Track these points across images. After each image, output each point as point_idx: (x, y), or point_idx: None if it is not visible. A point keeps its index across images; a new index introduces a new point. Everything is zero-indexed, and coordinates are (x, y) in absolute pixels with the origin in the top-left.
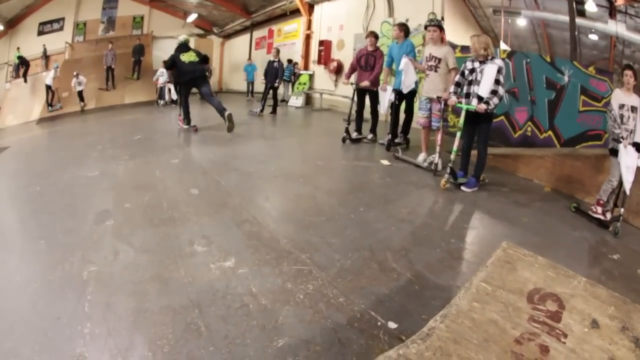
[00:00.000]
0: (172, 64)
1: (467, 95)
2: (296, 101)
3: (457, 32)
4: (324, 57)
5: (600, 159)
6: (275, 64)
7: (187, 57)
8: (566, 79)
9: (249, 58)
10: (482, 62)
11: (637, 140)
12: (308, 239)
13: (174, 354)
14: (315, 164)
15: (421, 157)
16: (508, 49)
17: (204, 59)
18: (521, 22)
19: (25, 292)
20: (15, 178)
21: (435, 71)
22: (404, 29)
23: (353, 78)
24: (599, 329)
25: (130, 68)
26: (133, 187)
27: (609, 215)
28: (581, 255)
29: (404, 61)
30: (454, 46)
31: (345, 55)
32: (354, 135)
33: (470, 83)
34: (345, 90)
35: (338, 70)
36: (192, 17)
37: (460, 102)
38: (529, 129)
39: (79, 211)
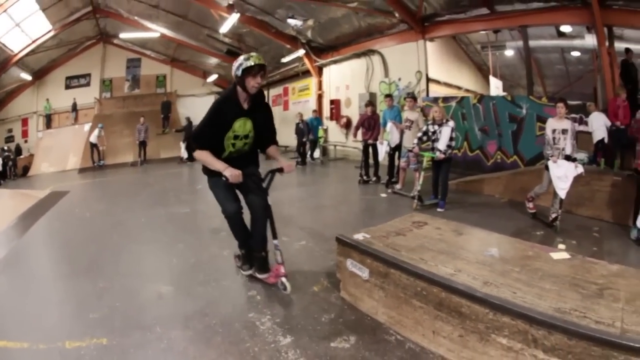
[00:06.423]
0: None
1: (432, 149)
2: (314, 153)
3: (452, 73)
4: (335, 113)
5: (541, 172)
6: (301, 125)
7: None
8: (524, 111)
9: (315, 110)
10: (440, 125)
11: (568, 154)
12: (334, 232)
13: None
14: (337, 199)
15: (397, 186)
16: (480, 93)
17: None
18: (509, 52)
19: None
20: (107, 214)
21: (409, 129)
22: (391, 98)
23: (359, 135)
24: (441, 230)
25: (160, 124)
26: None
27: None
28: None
29: (389, 125)
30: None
31: (352, 112)
32: (365, 178)
33: (433, 141)
34: (354, 142)
35: (347, 124)
36: (212, 78)
37: (425, 150)
38: (499, 156)
39: (195, 229)
